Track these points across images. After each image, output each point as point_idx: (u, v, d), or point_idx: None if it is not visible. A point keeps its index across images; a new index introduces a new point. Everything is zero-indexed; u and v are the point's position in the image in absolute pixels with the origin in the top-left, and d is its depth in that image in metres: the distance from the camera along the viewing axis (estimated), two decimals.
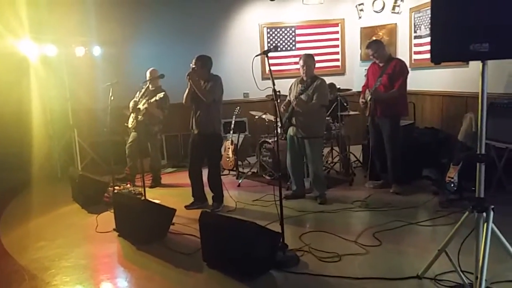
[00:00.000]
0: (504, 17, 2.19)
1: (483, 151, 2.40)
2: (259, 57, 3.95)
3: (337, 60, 7.95)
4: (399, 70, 4.67)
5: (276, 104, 3.39)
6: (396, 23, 7.16)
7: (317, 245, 3.49)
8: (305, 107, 4.49)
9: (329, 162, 5.93)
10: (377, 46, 4.81)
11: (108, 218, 4.35)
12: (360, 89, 5.29)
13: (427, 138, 5.25)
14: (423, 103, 6.47)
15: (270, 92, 3.53)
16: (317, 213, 4.38)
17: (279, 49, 7.53)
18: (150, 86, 5.51)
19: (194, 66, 4.38)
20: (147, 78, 5.54)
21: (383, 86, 4.70)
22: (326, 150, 5.78)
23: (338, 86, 5.72)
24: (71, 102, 6.58)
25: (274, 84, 3.40)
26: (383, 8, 7.35)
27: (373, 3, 7.49)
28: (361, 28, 7.70)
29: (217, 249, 3.17)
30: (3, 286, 3.11)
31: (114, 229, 4.09)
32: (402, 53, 6.87)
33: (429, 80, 6.30)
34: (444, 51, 2.38)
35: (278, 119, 3.56)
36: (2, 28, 5.40)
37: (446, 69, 5.80)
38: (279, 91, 3.80)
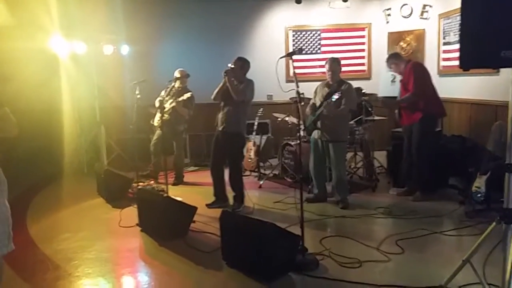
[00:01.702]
0: None
1: None
2: (283, 59, 3.96)
3: (363, 64, 7.88)
4: (408, 72, 4.63)
5: (299, 107, 3.39)
6: (424, 29, 7.04)
7: (338, 250, 3.46)
8: (334, 112, 4.46)
9: (352, 167, 5.87)
10: (390, 60, 4.82)
11: (131, 213, 4.42)
12: (386, 94, 5.24)
13: (454, 146, 5.14)
14: (451, 110, 6.32)
15: (293, 94, 3.53)
16: (338, 218, 4.34)
17: (303, 52, 7.52)
18: (177, 85, 5.59)
19: (233, 65, 4.44)
20: (176, 77, 5.61)
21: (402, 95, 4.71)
22: (349, 155, 5.74)
23: (363, 91, 5.66)
24: (99, 99, 6.74)
25: (298, 87, 3.40)
26: (411, 14, 7.25)
27: (401, 8, 7.39)
28: (388, 33, 7.60)
29: (237, 249, 3.18)
30: (29, 275, 3.20)
31: (137, 224, 4.16)
32: (430, 60, 6.76)
33: (457, 87, 6.16)
34: (474, 57, 2.32)
35: (301, 122, 3.54)
36: (34, 25, 5.57)
37: (475, 77, 5.66)
38: (302, 93, 3.79)
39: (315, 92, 4.75)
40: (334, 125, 4.53)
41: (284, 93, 4.13)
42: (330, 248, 3.47)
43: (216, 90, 4.55)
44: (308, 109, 4.65)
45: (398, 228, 3.97)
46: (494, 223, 2.41)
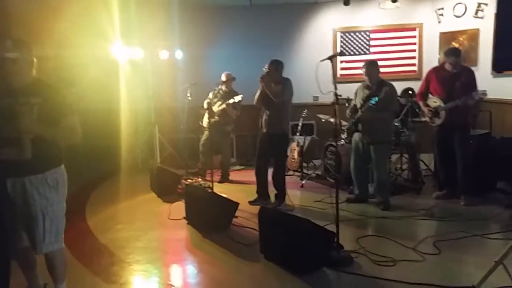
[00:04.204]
0: None
1: None
2: (327, 62, 4.03)
3: (414, 65, 7.72)
4: (474, 80, 4.51)
5: (336, 108, 3.49)
6: (478, 28, 6.79)
7: (373, 248, 3.52)
8: (373, 116, 4.49)
9: (397, 169, 5.82)
10: (460, 56, 4.63)
11: (180, 207, 4.73)
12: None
13: (503, 149, 4.96)
14: (504, 112, 6.08)
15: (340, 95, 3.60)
16: (378, 219, 4.37)
17: (351, 53, 7.53)
18: (224, 88, 5.86)
19: (268, 69, 4.62)
20: (222, 81, 5.89)
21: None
22: (395, 157, 5.71)
23: (410, 92, 5.60)
24: (154, 101, 7.18)
25: (336, 88, 3.50)
26: (465, 13, 7.01)
27: (454, 7, 7.17)
28: (440, 33, 7.40)
29: (273, 243, 3.35)
30: (87, 260, 3.55)
31: (184, 217, 4.45)
32: (484, 59, 6.51)
33: None
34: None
35: (337, 122, 3.63)
36: (96, 33, 6.07)
37: None
38: (340, 95, 3.82)
39: (356, 93, 4.80)
40: (375, 127, 4.56)
41: (330, 94, 4.20)
42: (365, 247, 3.54)
43: (256, 96, 4.73)
44: (348, 111, 4.71)
45: (438, 230, 3.95)
46: None
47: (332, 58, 3.64)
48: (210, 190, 4.76)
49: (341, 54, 3.89)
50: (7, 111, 2.26)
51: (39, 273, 2.75)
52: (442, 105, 4.60)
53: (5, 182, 2.36)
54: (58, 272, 2.61)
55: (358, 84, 4.88)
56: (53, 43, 5.22)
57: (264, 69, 4.60)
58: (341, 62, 7.67)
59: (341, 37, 7.72)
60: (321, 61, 3.69)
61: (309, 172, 6.12)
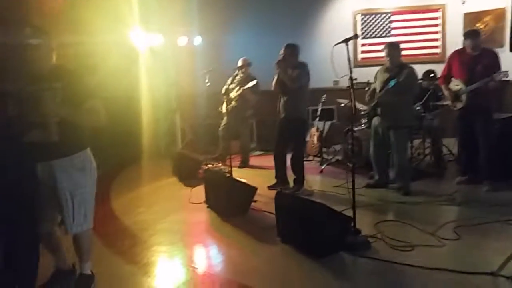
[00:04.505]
0: None
1: None
2: (351, 44, 3.95)
3: (437, 47, 7.53)
4: (498, 61, 4.37)
5: (351, 92, 3.46)
6: (505, 7, 6.55)
7: (392, 233, 3.50)
8: (392, 100, 4.43)
9: (419, 153, 5.74)
10: (480, 37, 4.50)
11: (200, 191, 4.78)
12: None
13: None
14: None
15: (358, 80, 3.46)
16: (398, 204, 4.35)
17: (362, 37, 7.40)
18: (242, 73, 5.88)
19: (283, 54, 4.59)
20: (238, 66, 5.90)
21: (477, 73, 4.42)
22: (417, 142, 5.62)
23: (431, 75, 5.48)
24: (175, 88, 7.25)
25: (351, 72, 3.46)
26: None
27: None
28: (464, 14, 7.17)
29: (290, 226, 3.39)
30: (110, 241, 3.67)
31: (204, 201, 4.54)
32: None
33: None
34: None
35: (353, 106, 3.58)
36: (116, 20, 6.14)
37: None
38: (356, 79, 3.73)
39: (375, 77, 4.74)
40: (395, 111, 4.50)
41: (339, 79, 4.15)
42: (383, 232, 3.54)
43: (274, 82, 4.73)
44: (367, 95, 4.66)
45: (459, 215, 3.91)
46: None
47: (347, 42, 3.58)
48: (228, 175, 4.83)
49: (356, 37, 3.80)
50: (32, 97, 2.34)
51: (67, 252, 2.87)
52: (464, 88, 4.50)
53: (35, 166, 2.45)
54: (84, 252, 2.73)
55: (378, 68, 4.82)
56: (72, 30, 5.30)
57: (280, 54, 4.59)
58: (362, 45, 7.56)
59: (362, 19, 7.59)
60: (335, 45, 3.59)
61: (329, 157, 6.11)
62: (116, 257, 3.36)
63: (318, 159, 6.16)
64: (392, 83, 4.27)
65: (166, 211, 4.41)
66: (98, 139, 2.86)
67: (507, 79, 4.21)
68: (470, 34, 4.54)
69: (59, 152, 2.49)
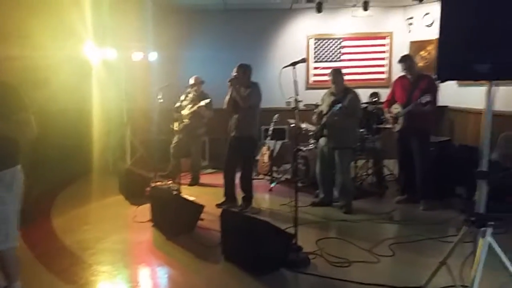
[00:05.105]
0: (505, 38, 2.25)
1: (485, 168, 2.46)
2: (303, 67, 4.10)
3: (383, 73, 7.95)
4: (433, 87, 4.68)
5: (296, 113, 3.59)
6: None
7: (331, 250, 3.63)
8: (337, 122, 4.63)
9: (363, 174, 5.97)
10: (410, 61, 4.84)
11: (146, 209, 4.71)
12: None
13: (462, 156, 5.16)
14: (466, 120, 6.32)
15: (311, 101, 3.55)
16: (339, 222, 4.50)
17: (323, 60, 7.71)
18: (194, 91, 5.92)
19: (236, 73, 4.69)
20: (191, 84, 5.94)
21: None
22: (361, 162, 5.86)
23: (375, 99, 5.77)
24: (127, 102, 7.16)
25: (297, 94, 3.61)
26: (433, 23, 7.26)
27: (423, 17, 7.43)
28: (410, 42, 7.65)
29: (234, 244, 3.43)
30: (48, 260, 3.54)
31: (149, 220, 4.48)
32: None
33: (475, 97, 6.12)
34: (450, 69, 2.44)
35: (298, 127, 3.74)
36: (68, 34, 6.05)
37: (498, 88, 5.61)
38: (301, 101, 3.90)
39: (322, 99, 4.94)
40: (340, 132, 4.70)
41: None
42: (324, 248, 3.65)
43: (226, 100, 4.81)
44: (314, 117, 4.84)
45: (395, 233, 4.11)
46: (465, 227, 2.53)
47: (294, 65, 3.74)
48: (175, 193, 4.80)
49: (303, 61, 3.97)
50: None
51: None
52: (401, 111, 4.79)
53: None
54: (10, 271, 2.62)
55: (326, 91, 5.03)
56: (21, 44, 5.17)
57: (232, 73, 4.68)
58: (315, 68, 7.84)
59: (315, 43, 7.89)
60: (284, 67, 3.76)
61: (279, 176, 6.22)
62: (53, 277, 3.25)
63: (268, 177, 6.25)
64: (337, 107, 4.48)
65: (109, 230, 4.30)
66: (45, 152, 2.79)
67: (430, 100, 4.50)
68: (402, 58, 4.92)
69: None
